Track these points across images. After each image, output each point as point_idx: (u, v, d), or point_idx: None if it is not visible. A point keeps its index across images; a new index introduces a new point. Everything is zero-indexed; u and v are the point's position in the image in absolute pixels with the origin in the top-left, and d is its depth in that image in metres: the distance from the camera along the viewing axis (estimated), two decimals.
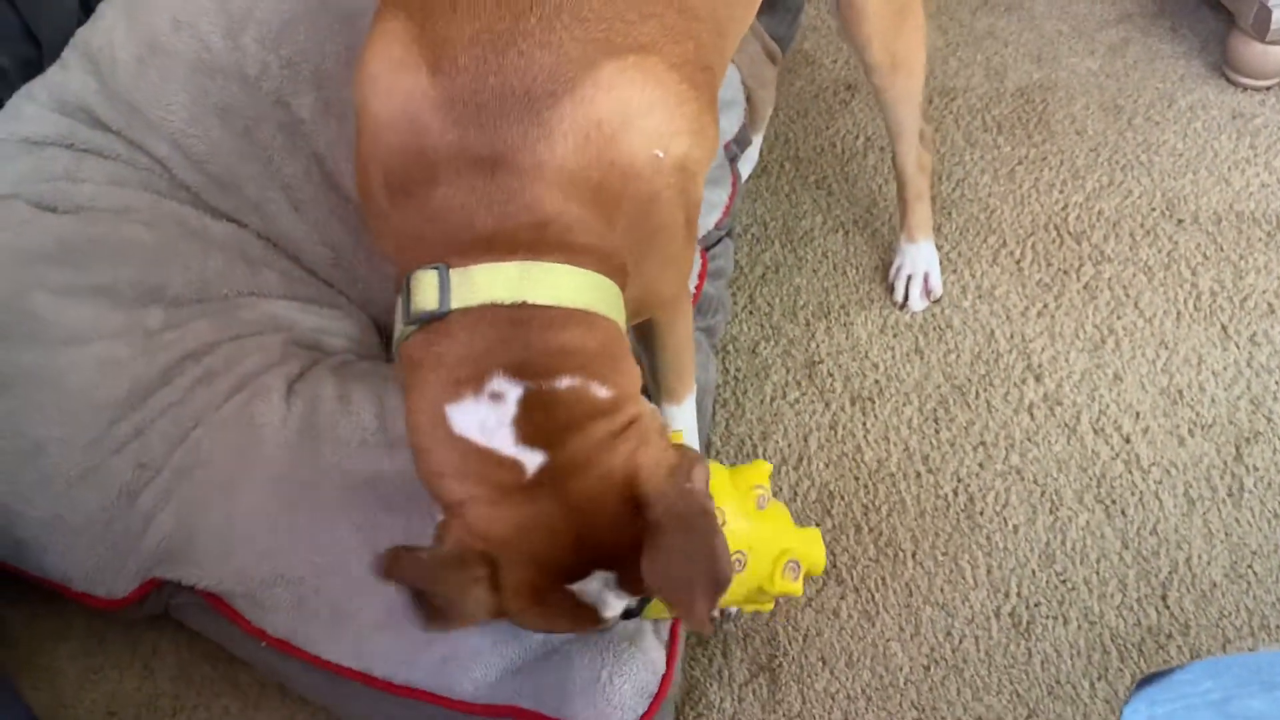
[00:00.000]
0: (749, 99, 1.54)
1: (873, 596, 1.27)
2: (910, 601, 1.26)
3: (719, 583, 0.80)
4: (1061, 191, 1.66)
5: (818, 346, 1.50)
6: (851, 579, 1.28)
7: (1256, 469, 1.36)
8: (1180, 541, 1.30)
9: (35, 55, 1.37)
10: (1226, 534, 1.31)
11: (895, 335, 1.50)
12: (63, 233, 1.18)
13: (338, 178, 1.27)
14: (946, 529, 1.32)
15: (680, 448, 0.87)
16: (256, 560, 1.04)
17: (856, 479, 1.37)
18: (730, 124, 1.46)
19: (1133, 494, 1.34)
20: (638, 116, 0.87)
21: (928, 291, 1.53)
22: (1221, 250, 1.58)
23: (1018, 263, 1.58)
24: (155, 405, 1.11)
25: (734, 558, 1.06)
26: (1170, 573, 1.28)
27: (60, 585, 1.12)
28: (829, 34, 1.89)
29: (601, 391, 0.84)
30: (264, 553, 1.04)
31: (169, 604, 1.11)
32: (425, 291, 0.83)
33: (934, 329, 1.51)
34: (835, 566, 1.29)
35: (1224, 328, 1.50)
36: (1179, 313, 1.51)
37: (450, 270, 0.83)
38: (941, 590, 1.27)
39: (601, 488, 0.83)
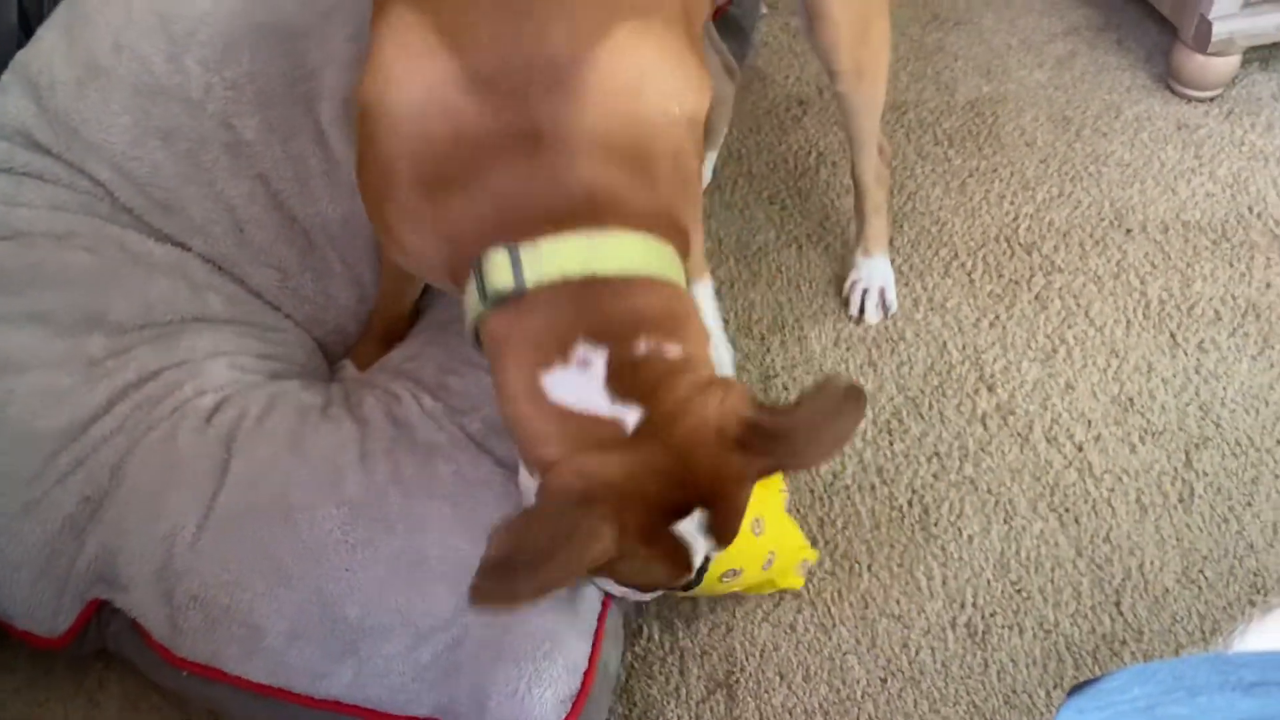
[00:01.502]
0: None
1: (829, 610, 1.27)
2: (866, 614, 1.26)
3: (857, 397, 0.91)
4: (1012, 203, 1.68)
5: (773, 360, 1.50)
6: (808, 592, 1.28)
7: (1206, 474, 1.37)
8: (1133, 548, 1.31)
9: None
10: (1178, 539, 1.32)
11: (849, 348, 1.51)
12: (0, 259, 1.16)
13: (283, 198, 1.26)
14: (902, 540, 1.32)
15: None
16: (174, 580, 1.03)
17: (811, 492, 1.37)
18: None
19: (1085, 502, 1.35)
20: (651, 77, 0.93)
21: (884, 305, 1.54)
22: (1169, 259, 1.61)
23: (969, 274, 1.59)
24: (96, 434, 1.10)
25: (767, 557, 1.17)
26: (1124, 579, 1.29)
27: (3, 623, 1.10)
28: (781, 51, 1.91)
29: (674, 350, 0.90)
30: (180, 572, 1.03)
31: (106, 634, 1.09)
32: (499, 271, 0.88)
33: (887, 341, 1.52)
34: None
35: (1173, 335, 1.52)
36: (1129, 321, 1.53)
37: (519, 248, 0.87)
38: (897, 602, 1.27)
39: (702, 430, 0.89)
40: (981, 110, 1.81)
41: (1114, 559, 1.30)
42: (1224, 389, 1.46)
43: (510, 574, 0.82)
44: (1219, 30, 1.71)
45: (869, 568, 1.30)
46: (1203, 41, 1.73)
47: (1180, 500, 1.35)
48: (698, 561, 0.95)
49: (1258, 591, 1.28)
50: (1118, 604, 1.27)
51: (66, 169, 1.23)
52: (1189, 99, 1.82)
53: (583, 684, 1.01)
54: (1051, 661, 1.23)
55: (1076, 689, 0.54)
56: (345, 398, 1.18)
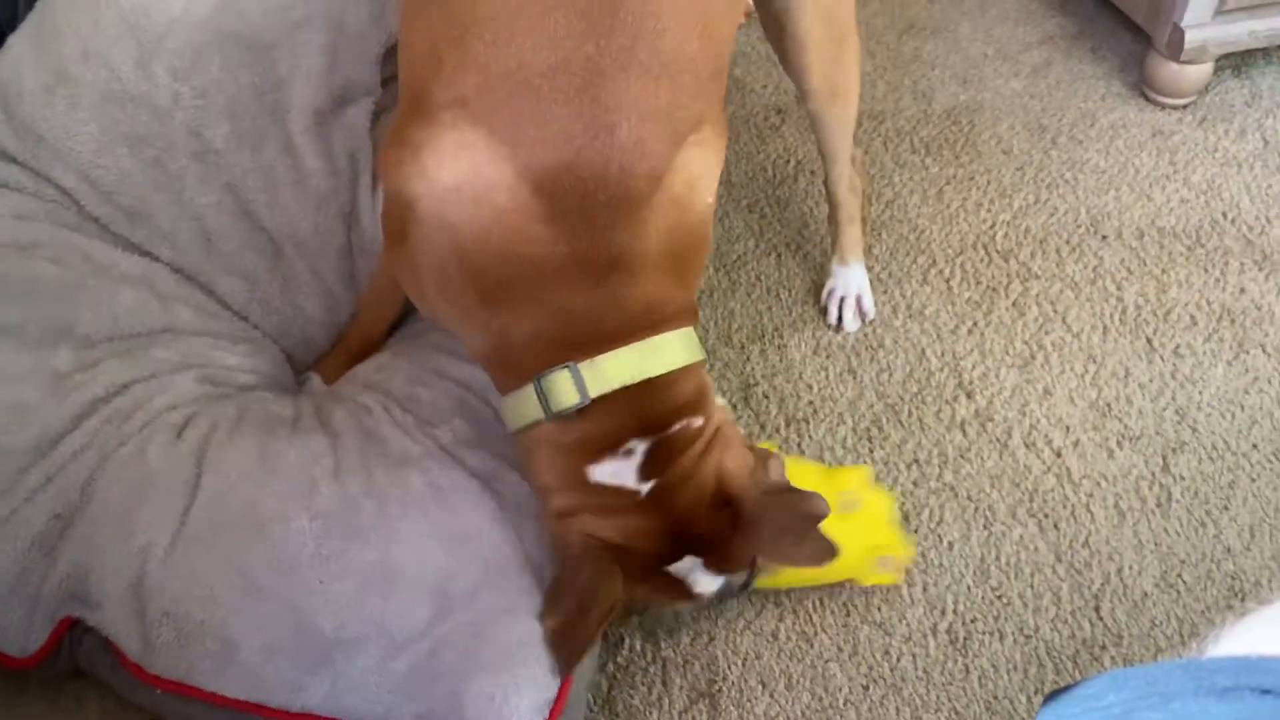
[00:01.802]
0: None
1: (810, 618, 1.27)
2: (848, 621, 1.26)
3: (816, 519, 0.99)
4: (989, 210, 1.69)
5: (753, 369, 1.50)
6: (789, 600, 1.28)
7: (1183, 478, 1.38)
8: (1111, 553, 1.32)
9: None
10: (1156, 544, 1.33)
11: (828, 356, 1.51)
12: None
13: (252, 207, 1.25)
14: None
15: (754, 448, 1.06)
16: (146, 597, 1.02)
17: None
18: None
19: (1064, 507, 1.36)
20: (701, 179, 0.99)
21: (861, 313, 1.54)
22: (1145, 265, 1.62)
23: (947, 281, 1.60)
24: (66, 450, 1.08)
25: None
26: (1103, 584, 1.29)
27: None
28: (758, 60, 1.91)
29: (697, 422, 1.01)
30: (152, 589, 1.02)
31: (78, 653, 1.08)
32: (565, 392, 0.96)
33: (866, 349, 1.52)
34: (774, 588, 1.29)
35: (1149, 341, 1.53)
36: (1105, 327, 1.54)
37: (581, 367, 0.95)
38: (879, 609, 1.27)
39: (696, 497, 1.00)
40: (958, 119, 1.82)
41: (1093, 564, 1.31)
42: (1200, 394, 1.47)
43: (567, 638, 0.99)
44: (1192, 38, 1.73)
45: None
46: (1176, 49, 1.75)
47: (1158, 505, 1.36)
48: (703, 589, 1.04)
49: (1235, 595, 1.28)
50: (1097, 609, 1.27)
51: (32, 177, 1.22)
52: (1163, 106, 1.84)
53: (560, 691, 1.01)
54: (1032, 667, 1.23)
55: (1053, 695, 0.54)
56: (315, 411, 1.17)
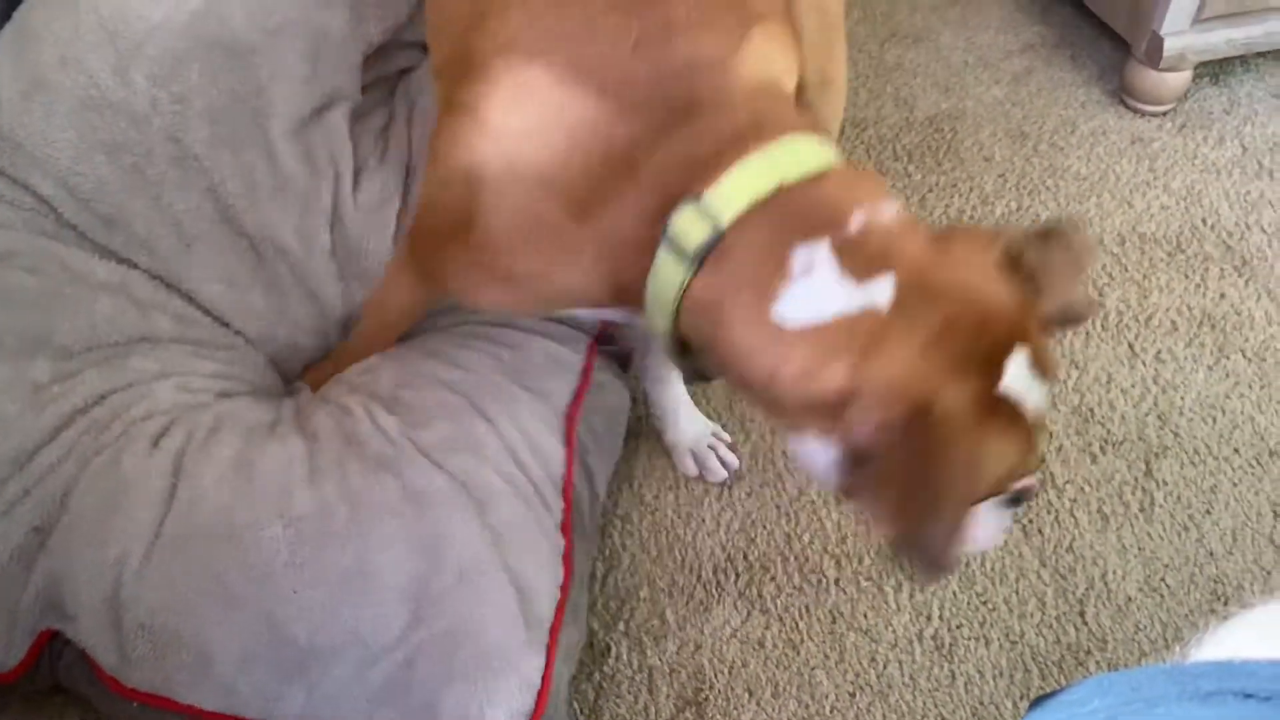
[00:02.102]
0: None
1: (797, 625, 1.27)
2: (834, 628, 1.26)
3: (1090, 251, 0.91)
4: (971, 217, 1.70)
5: None
6: (775, 608, 1.28)
7: (1166, 483, 1.39)
8: (1096, 558, 1.32)
9: None
10: (1139, 548, 1.33)
11: None
12: None
13: (233, 213, 1.24)
14: (869, 554, 1.32)
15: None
16: (121, 608, 1.01)
17: (778, 507, 1.37)
18: None
19: (1049, 512, 1.36)
20: (776, 60, 0.95)
21: None
22: (1126, 271, 1.63)
23: None
24: (44, 462, 1.07)
25: None
26: (1087, 589, 1.30)
27: None
28: None
29: (888, 208, 0.85)
30: (127, 600, 1.01)
31: (58, 667, 1.07)
32: (691, 226, 0.83)
33: None
34: (760, 596, 1.29)
35: (1131, 346, 1.53)
36: (1088, 333, 1.55)
37: (703, 195, 0.83)
38: (865, 616, 1.27)
39: (965, 265, 0.82)
40: (940, 126, 1.83)
41: (1077, 569, 1.31)
42: (1181, 399, 1.47)
43: (920, 544, 0.79)
44: (1170, 46, 1.74)
45: (836, 582, 1.30)
46: (1155, 57, 1.76)
47: (1141, 509, 1.37)
48: (1040, 406, 0.84)
49: (1218, 599, 1.29)
50: (1082, 613, 1.28)
51: (9, 185, 1.21)
52: (1143, 113, 1.85)
53: (537, 702, 1.00)
54: (1018, 672, 1.23)
55: (1038, 701, 0.54)
56: (295, 414, 1.16)
